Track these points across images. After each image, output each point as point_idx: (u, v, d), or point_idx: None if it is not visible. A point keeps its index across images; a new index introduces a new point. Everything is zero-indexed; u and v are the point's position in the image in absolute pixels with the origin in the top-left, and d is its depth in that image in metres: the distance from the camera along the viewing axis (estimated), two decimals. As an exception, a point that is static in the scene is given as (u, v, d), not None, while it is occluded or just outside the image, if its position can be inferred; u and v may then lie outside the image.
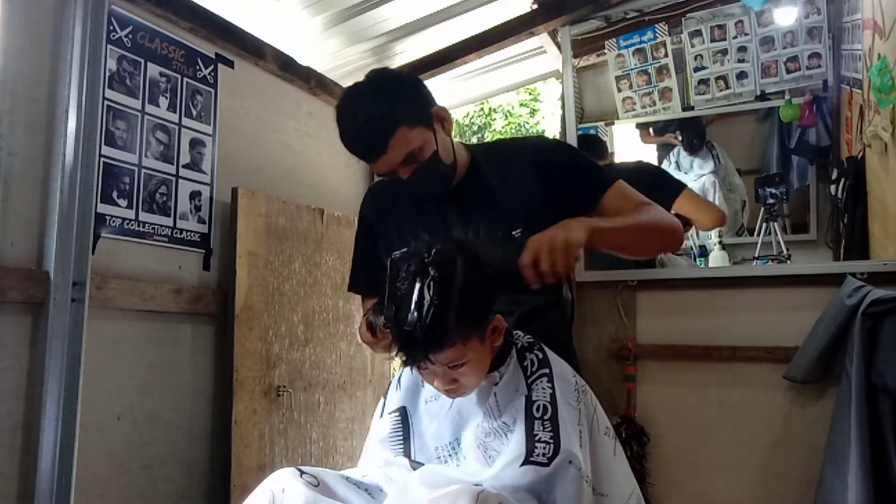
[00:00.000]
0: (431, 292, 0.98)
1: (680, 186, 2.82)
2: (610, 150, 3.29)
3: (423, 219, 1.41)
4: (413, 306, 0.98)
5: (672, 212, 2.50)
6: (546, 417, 1.02)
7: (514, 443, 1.03)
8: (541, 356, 1.13)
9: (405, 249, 1.08)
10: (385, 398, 1.26)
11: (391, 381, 1.29)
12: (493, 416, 1.09)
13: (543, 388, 1.07)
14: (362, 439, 1.31)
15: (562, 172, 1.40)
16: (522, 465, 0.98)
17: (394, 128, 1.24)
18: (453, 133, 1.44)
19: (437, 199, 1.40)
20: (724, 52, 3.19)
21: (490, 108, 8.07)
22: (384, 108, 1.24)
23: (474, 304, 1.04)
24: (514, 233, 1.33)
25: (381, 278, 1.33)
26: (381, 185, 1.53)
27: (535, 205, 1.36)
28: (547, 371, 1.10)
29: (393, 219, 1.46)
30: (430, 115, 1.33)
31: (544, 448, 0.98)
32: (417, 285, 0.99)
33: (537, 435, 1.00)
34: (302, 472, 1.08)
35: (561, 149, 1.53)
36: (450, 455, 1.13)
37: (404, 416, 1.20)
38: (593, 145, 3.01)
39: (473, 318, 1.04)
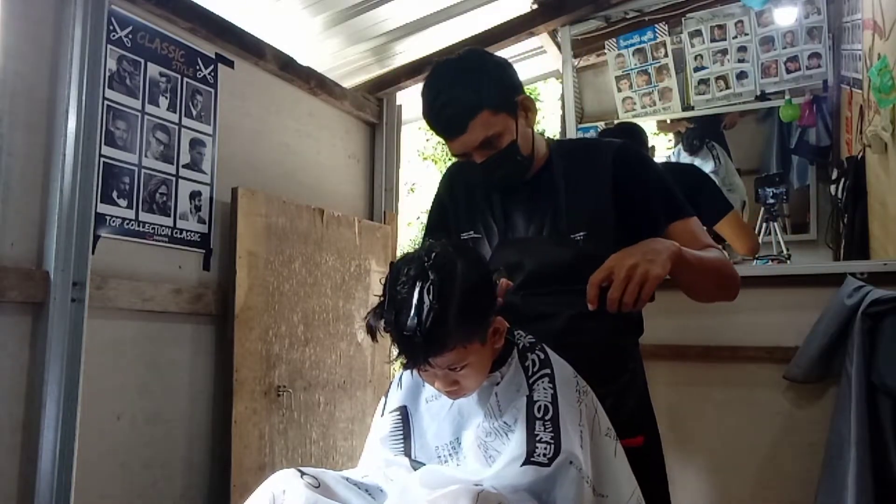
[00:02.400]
0: (431, 296, 0.97)
1: (728, 207, 2.60)
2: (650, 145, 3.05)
3: (490, 207, 1.40)
4: (413, 310, 0.97)
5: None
6: (547, 418, 1.02)
7: (515, 443, 1.02)
8: (542, 356, 1.13)
9: (405, 253, 1.08)
10: (386, 397, 1.26)
11: (392, 381, 1.29)
12: (494, 415, 1.09)
13: (545, 389, 1.07)
14: (362, 439, 1.31)
15: (637, 185, 1.34)
16: (523, 465, 0.97)
17: (476, 111, 1.23)
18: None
19: (508, 189, 1.38)
20: (724, 52, 3.19)
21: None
22: (469, 90, 1.23)
23: (475, 307, 1.03)
24: (576, 235, 1.30)
25: None
26: (459, 166, 1.49)
27: (602, 211, 1.32)
28: (548, 371, 1.10)
29: (463, 202, 1.45)
30: (515, 103, 1.30)
31: (545, 448, 0.98)
32: (417, 289, 0.98)
33: (538, 435, 1.00)
34: (303, 473, 1.07)
35: (643, 161, 1.45)
36: (450, 455, 1.13)
37: (405, 415, 1.20)
38: (632, 137, 2.66)
39: (474, 321, 1.03)
